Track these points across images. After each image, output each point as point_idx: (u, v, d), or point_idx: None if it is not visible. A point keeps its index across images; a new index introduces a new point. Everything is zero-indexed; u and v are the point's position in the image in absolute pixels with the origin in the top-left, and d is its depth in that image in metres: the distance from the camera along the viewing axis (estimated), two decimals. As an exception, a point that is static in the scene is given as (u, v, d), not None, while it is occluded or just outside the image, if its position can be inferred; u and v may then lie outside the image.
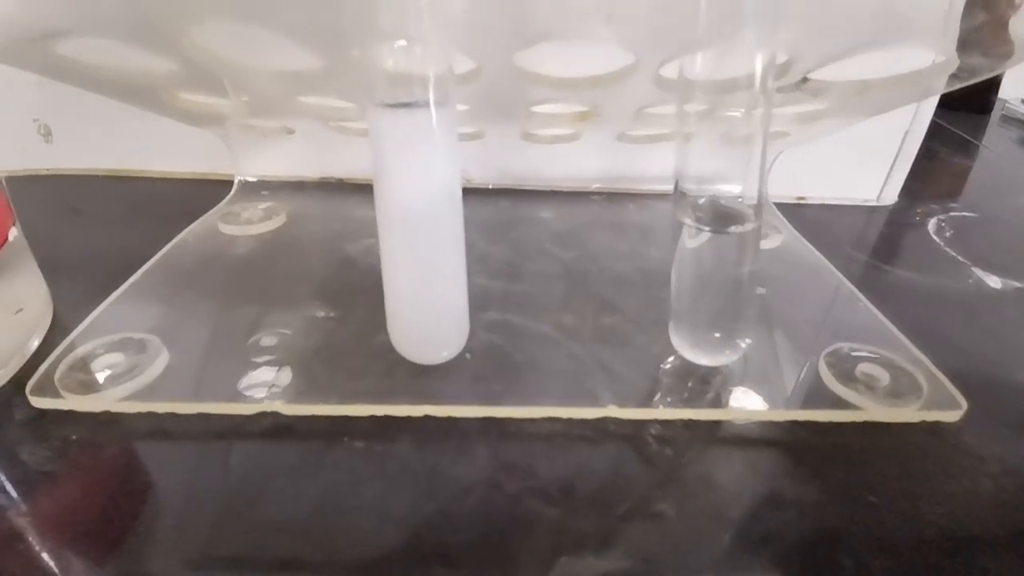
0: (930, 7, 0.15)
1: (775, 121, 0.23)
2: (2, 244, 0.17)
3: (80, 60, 0.18)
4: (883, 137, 0.29)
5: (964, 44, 0.16)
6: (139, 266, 0.22)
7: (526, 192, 0.30)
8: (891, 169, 0.29)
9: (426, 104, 0.14)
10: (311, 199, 0.29)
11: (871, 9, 0.14)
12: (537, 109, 0.22)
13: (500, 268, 0.23)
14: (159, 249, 0.23)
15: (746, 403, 0.17)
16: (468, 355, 0.18)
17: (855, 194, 0.30)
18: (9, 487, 0.14)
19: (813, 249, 0.25)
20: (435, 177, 0.15)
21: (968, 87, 0.17)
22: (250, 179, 0.29)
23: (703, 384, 0.17)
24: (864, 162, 0.30)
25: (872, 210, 0.30)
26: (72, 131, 0.30)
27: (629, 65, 0.16)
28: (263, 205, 0.27)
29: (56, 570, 0.12)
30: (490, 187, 0.30)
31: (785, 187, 0.30)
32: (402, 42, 0.14)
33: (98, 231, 0.26)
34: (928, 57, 0.17)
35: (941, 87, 0.18)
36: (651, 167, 0.29)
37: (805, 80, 0.17)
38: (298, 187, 0.29)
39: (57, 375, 0.16)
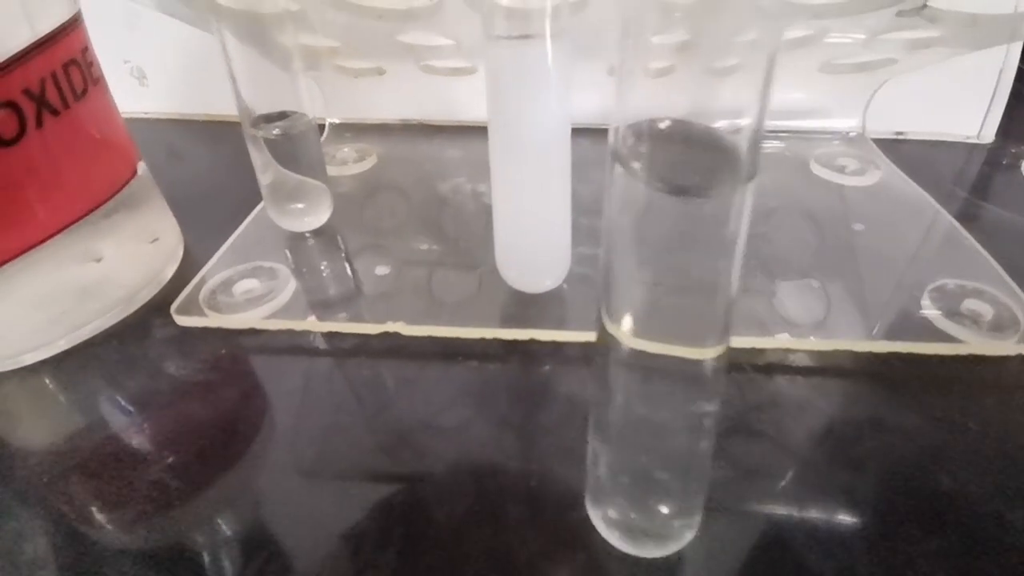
0: None
1: (885, 48, 0.22)
2: (132, 177, 0.19)
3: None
4: (978, 73, 0.27)
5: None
6: (248, 205, 0.23)
7: (604, 131, 0.30)
8: (990, 105, 0.28)
9: (543, 36, 0.14)
10: (397, 141, 0.29)
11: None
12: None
13: (588, 205, 0.23)
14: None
15: (846, 334, 0.17)
16: (565, 286, 0.19)
17: (955, 130, 0.29)
18: (158, 397, 0.16)
19: (914, 184, 0.24)
20: (548, 109, 0.15)
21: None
22: (337, 121, 0.30)
23: (803, 315, 0.18)
24: (964, 98, 0.28)
25: (972, 147, 0.29)
26: (165, 76, 0.31)
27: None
28: (355, 146, 0.28)
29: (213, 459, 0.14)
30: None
31: (884, 122, 0.29)
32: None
33: (203, 174, 0.28)
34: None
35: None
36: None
37: (925, 6, 0.16)
38: (382, 130, 0.30)
39: (201, 296, 0.18)
